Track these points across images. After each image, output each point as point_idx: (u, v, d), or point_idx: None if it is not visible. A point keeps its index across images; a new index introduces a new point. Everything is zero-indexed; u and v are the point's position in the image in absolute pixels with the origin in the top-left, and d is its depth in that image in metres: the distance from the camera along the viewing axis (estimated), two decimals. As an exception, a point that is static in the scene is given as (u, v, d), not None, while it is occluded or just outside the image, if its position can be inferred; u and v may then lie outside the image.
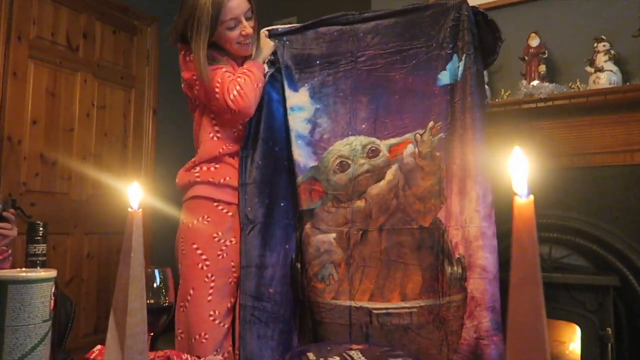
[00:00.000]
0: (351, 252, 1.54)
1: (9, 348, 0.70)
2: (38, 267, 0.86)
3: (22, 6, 2.78)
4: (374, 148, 1.57)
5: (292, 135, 1.59)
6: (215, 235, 1.52)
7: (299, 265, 1.58)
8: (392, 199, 1.54)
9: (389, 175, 1.55)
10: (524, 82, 2.32)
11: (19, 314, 0.70)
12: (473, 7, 1.54)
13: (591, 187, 2.24)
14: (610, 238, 2.16)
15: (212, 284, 1.49)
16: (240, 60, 1.61)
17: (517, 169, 0.49)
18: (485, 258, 1.40)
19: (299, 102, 1.62)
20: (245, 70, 1.52)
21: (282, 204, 1.59)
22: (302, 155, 1.58)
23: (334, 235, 1.55)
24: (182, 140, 3.78)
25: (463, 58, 1.50)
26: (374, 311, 1.49)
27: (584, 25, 2.35)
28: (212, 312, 1.47)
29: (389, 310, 1.48)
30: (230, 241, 1.53)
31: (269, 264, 1.54)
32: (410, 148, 1.54)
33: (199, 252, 1.50)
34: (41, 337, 0.72)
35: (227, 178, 1.56)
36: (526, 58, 2.37)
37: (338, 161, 1.58)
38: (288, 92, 1.62)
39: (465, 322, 1.41)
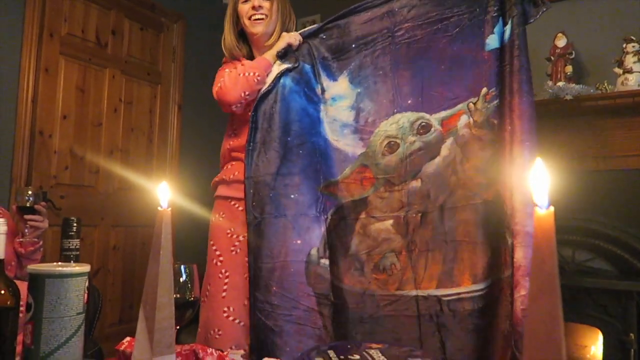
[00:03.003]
0: (412, 238, 1.45)
1: (45, 338, 0.73)
2: (72, 262, 0.89)
3: (54, 4, 2.85)
4: (424, 123, 1.49)
5: (337, 125, 1.55)
6: (228, 231, 1.54)
7: (325, 262, 1.48)
8: (451, 175, 1.45)
9: (444, 150, 1.46)
10: (550, 82, 2.29)
11: (55, 307, 0.74)
12: None
13: (616, 190, 2.20)
14: (635, 242, 2.13)
15: (226, 280, 1.49)
16: (262, 51, 1.65)
17: (538, 180, 0.49)
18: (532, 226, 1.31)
19: (339, 91, 1.57)
20: (237, 64, 1.61)
21: (292, 196, 1.50)
22: (350, 145, 1.53)
23: (390, 222, 1.48)
24: (206, 135, 3.84)
25: (510, 21, 1.41)
26: (444, 298, 1.40)
27: (613, 25, 2.31)
28: (226, 309, 1.47)
29: (461, 295, 1.39)
30: (244, 236, 1.50)
31: (270, 259, 1.45)
32: (464, 119, 1.45)
33: (214, 248, 1.54)
34: (76, 329, 0.76)
35: (236, 173, 1.58)
36: (552, 58, 2.34)
37: (386, 142, 1.51)
38: (327, 82, 1.58)
39: (513, 292, 1.32)
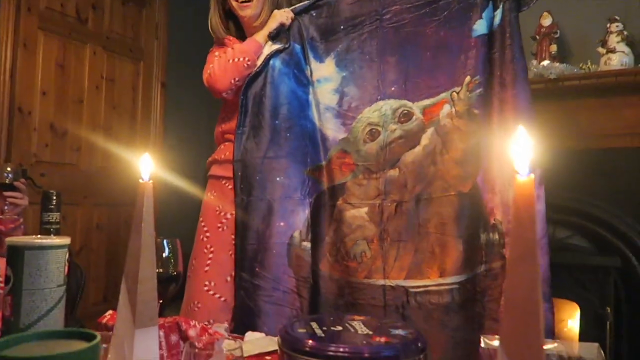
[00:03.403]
0: (384, 227, 1.43)
1: (26, 311, 0.73)
2: (52, 235, 0.88)
3: (32, -24, 2.76)
4: (405, 112, 1.45)
5: (321, 108, 1.53)
6: (217, 208, 1.57)
7: (307, 245, 1.50)
8: (429, 165, 1.41)
9: (425, 140, 1.43)
10: (534, 62, 2.30)
11: (35, 279, 0.73)
12: None
13: (596, 169, 2.24)
14: (613, 220, 2.18)
15: (210, 255, 1.53)
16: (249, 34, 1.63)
17: (520, 147, 0.49)
18: None
19: (325, 73, 1.55)
20: (227, 49, 1.59)
21: (278, 179, 1.51)
22: (331, 129, 1.52)
23: (365, 209, 1.46)
24: (190, 113, 3.80)
25: (501, 5, 1.35)
26: (411, 290, 1.39)
27: (597, 5, 2.32)
28: (207, 283, 1.50)
29: (428, 288, 1.37)
30: (232, 214, 1.54)
31: (256, 241, 1.47)
32: (446, 108, 1.40)
33: (202, 224, 1.57)
34: (56, 301, 0.75)
35: (227, 153, 1.59)
36: (537, 37, 2.35)
37: (368, 129, 1.49)
38: (314, 64, 1.56)
39: (487, 292, 1.31)
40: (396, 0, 1.50)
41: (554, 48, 2.30)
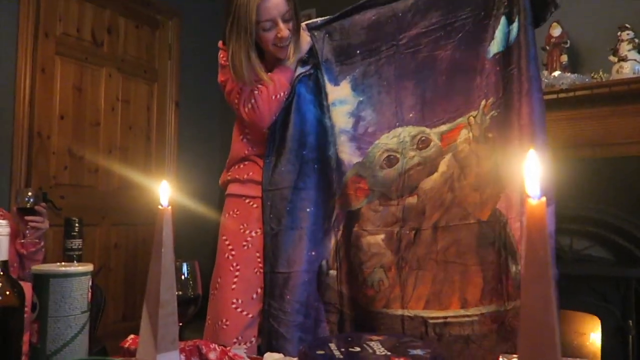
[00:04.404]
0: (402, 255, 1.41)
1: (51, 337, 0.75)
2: (75, 261, 0.91)
3: (48, 3, 2.85)
4: (424, 138, 1.43)
5: (336, 131, 1.51)
6: (241, 227, 1.57)
7: (334, 273, 1.50)
8: (447, 192, 1.38)
9: (443, 166, 1.40)
10: (545, 72, 2.30)
11: (60, 306, 0.75)
12: None
13: (613, 178, 2.22)
14: (632, 229, 2.15)
15: (236, 273, 1.53)
16: (275, 58, 1.55)
17: (531, 171, 0.50)
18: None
19: (340, 96, 1.53)
20: (265, 81, 1.49)
21: (308, 209, 1.51)
22: (346, 152, 1.50)
23: (382, 236, 1.44)
24: (204, 132, 3.85)
25: (516, 20, 1.30)
26: (430, 321, 1.35)
27: (608, 13, 2.32)
28: (234, 300, 1.51)
29: (448, 319, 1.33)
30: (256, 232, 1.55)
31: (287, 270, 1.48)
32: (464, 133, 1.37)
33: (227, 243, 1.57)
34: (81, 327, 0.77)
35: (250, 173, 1.59)
36: (547, 48, 2.35)
37: (385, 155, 1.47)
38: (329, 87, 1.54)
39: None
40: (412, 25, 1.47)
41: (564, 58, 2.30)
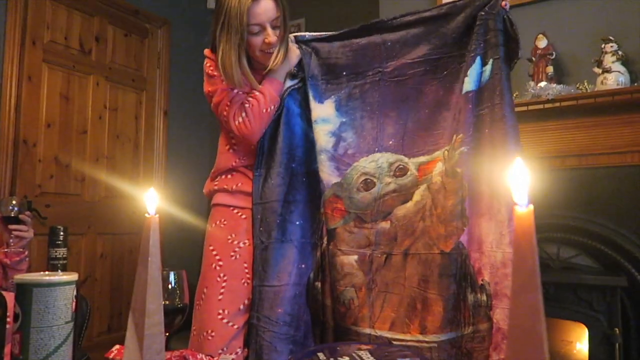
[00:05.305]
0: (373, 277, 1.44)
1: (34, 348, 0.73)
2: (59, 271, 0.89)
3: (36, 11, 2.83)
4: (401, 166, 1.47)
5: (317, 149, 1.53)
6: (229, 237, 1.56)
7: (319, 285, 1.52)
8: (419, 221, 1.42)
9: (417, 196, 1.44)
10: (532, 83, 2.33)
11: (43, 316, 0.74)
12: (504, 7, 1.36)
13: (599, 188, 2.25)
14: (618, 238, 2.17)
15: (223, 284, 1.52)
16: (263, 68, 1.54)
17: (518, 179, 0.51)
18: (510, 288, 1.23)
19: (323, 114, 1.54)
20: (257, 93, 1.49)
21: (297, 222, 1.53)
22: (325, 172, 1.52)
23: (355, 257, 1.47)
24: (193, 141, 3.84)
25: (490, 62, 1.34)
26: (394, 342, 1.38)
27: (592, 26, 2.36)
28: (220, 311, 1.49)
29: (408, 343, 1.36)
30: (244, 243, 1.54)
31: (277, 284, 1.48)
32: (439, 166, 1.40)
33: (214, 253, 1.55)
34: (64, 338, 0.76)
35: (240, 184, 1.58)
36: (534, 59, 2.38)
37: (362, 179, 1.50)
38: (313, 103, 1.54)
39: (491, 354, 1.27)
40: (398, 54, 1.49)
41: (550, 69, 2.33)
